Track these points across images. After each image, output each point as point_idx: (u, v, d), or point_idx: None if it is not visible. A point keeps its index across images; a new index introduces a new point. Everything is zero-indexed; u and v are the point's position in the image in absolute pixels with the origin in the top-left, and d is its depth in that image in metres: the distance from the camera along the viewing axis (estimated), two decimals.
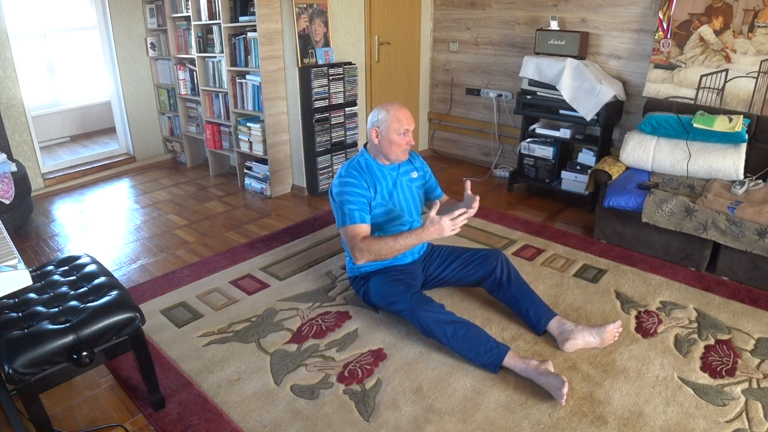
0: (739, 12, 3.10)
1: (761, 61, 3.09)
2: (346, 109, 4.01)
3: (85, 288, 1.80)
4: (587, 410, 1.85)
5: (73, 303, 1.70)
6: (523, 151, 4.01)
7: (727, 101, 3.25)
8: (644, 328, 2.31)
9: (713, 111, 3.16)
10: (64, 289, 1.80)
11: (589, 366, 2.07)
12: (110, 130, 5.65)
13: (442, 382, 1.99)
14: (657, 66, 3.47)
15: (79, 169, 4.53)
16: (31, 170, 4.08)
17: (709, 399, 1.89)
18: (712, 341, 2.22)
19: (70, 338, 1.54)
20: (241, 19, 3.79)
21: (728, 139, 2.97)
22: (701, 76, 3.32)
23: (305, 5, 3.65)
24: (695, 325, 2.33)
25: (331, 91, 3.85)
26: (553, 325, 2.22)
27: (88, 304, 1.69)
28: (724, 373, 2.03)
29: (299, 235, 3.30)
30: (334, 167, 4.08)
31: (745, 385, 1.96)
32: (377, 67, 4.38)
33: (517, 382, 1.98)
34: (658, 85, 3.49)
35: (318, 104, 3.79)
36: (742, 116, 3.00)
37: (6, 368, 1.44)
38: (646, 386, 1.96)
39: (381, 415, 1.84)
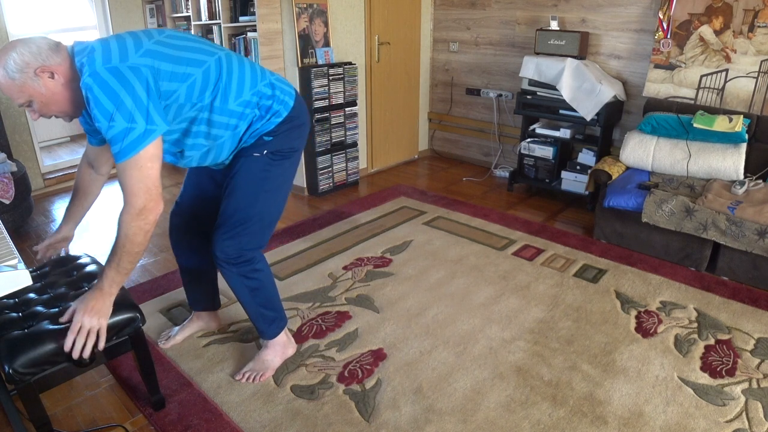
0: (739, 12, 3.10)
1: (761, 61, 3.09)
2: (346, 109, 4.01)
3: (86, 288, 1.80)
4: (587, 410, 1.85)
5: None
6: (523, 151, 4.01)
7: (727, 101, 3.25)
8: (644, 328, 2.31)
9: (713, 111, 3.16)
10: (64, 289, 1.80)
11: (589, 366, 2.07)
12: None
13: (442, 382, 1.99)
14: (657, 66, 3.47)
15: None
16: (31, 170, 4.08)
17: (709, 399, 1.89)
18: (712, 341, 2.22)
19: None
20: (241, 19, 3.79)
21: (728, 139, 2.98)
22: (701, 76, 3.32)
23: (305, 5, 3.65)
24: (695, 325, 2.33)
25: (331, 91, 3.85)
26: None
27: None
28: (724, 373, 2.03)
29: (299, 235, 3.30)
30: (335, 167, 4.08)
31: (745, 385, 1.97)
32: (377, 67, 4.38)
33: (518, 382, 1.98)
34: (658, 85, 3.49)
35: (318, 104, 3.79)
36: (742, 116, 3.00)
37: (6, 368, 1.44)
38: (646, 386, 1.96)
39: (381, 415, 1.84)
